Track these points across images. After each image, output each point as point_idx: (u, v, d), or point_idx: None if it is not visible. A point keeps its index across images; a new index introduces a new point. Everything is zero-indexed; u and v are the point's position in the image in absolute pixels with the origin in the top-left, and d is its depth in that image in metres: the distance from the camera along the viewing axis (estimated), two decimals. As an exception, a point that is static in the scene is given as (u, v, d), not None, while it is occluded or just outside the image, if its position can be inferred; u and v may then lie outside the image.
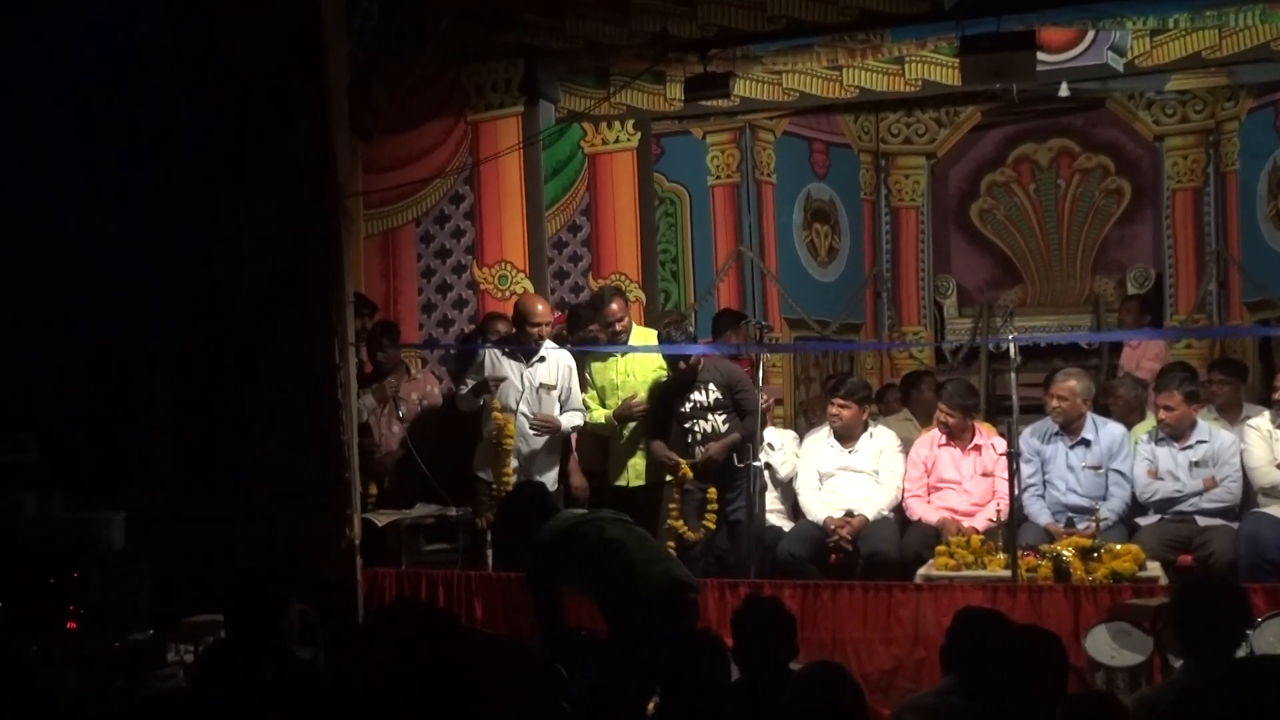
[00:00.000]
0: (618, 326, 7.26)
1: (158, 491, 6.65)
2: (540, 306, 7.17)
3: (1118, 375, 9.02)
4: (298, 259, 6.51)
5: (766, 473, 7.04)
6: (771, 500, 7.34)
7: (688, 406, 7.09)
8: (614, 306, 7.28)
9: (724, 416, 7.06)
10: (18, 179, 6.89)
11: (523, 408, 7.09)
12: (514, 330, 7.26)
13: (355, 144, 7.06)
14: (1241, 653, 4.13)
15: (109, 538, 6.32)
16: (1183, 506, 6.76)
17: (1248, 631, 4.36)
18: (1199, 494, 6.74)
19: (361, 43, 6.94)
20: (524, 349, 7.09)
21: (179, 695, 5.25)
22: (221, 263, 6.65)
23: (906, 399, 8.70)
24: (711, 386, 7.07)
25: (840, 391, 7.41)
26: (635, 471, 7.32)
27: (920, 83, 8.16)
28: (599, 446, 7.54)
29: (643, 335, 7.63)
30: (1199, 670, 3.92)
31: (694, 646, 4.27)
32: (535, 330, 7.05)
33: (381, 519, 6.99)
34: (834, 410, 7.34)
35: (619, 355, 7.37)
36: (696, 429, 7.09)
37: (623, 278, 9.01)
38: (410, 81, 7.48)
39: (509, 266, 8.12)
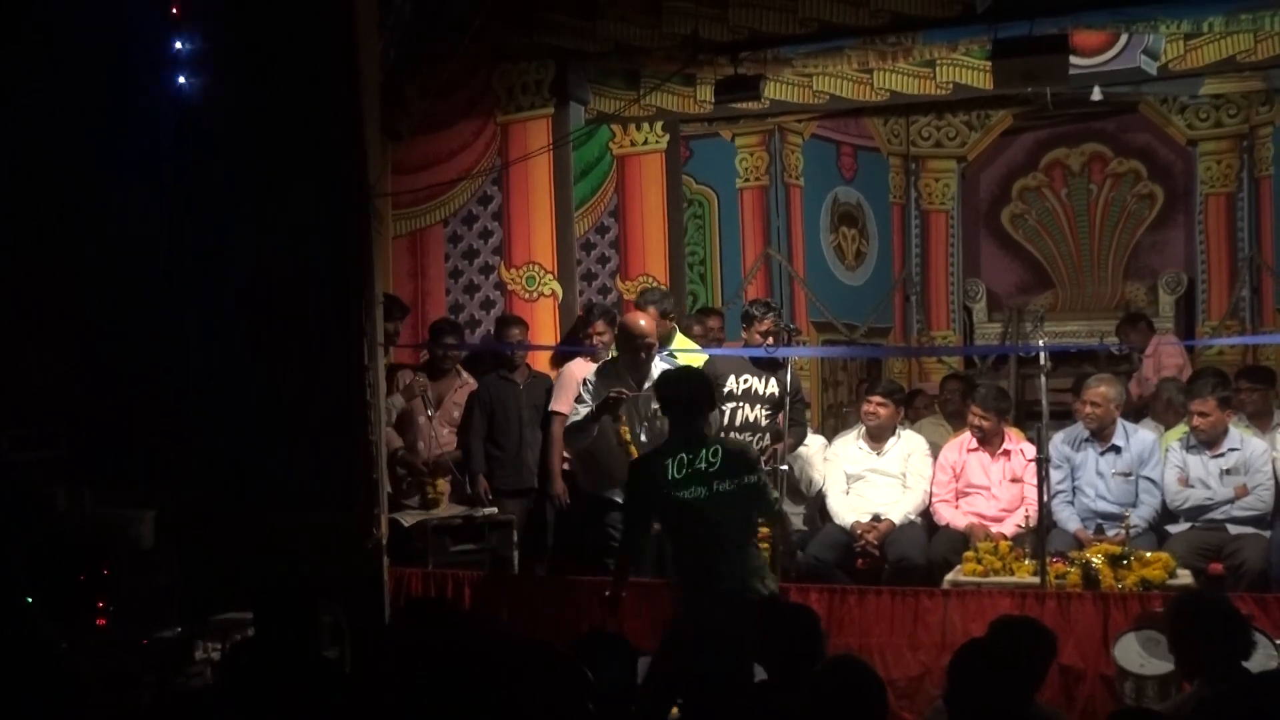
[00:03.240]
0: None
1: (187, 488, 6.69)
2: (644, 322, 6.48)
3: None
4: (328, 258, 6.53)
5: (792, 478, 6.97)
6: (787, 504, 7.28)
7: (740, 388, 6.88)
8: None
9: (768, 413, 6.81)
10: (55, 175, 6.95)
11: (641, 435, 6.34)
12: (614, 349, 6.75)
13: (385, 144, 7.08)
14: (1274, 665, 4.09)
15: (139, 534, 6.35)
16: (1214, 514, 6.70)
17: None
18: (1230, 501, 6.68)
19: (394, 42, 6.96)
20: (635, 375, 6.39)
21: (207, 692, 5.28)
22: (252, 261, 6.68)
23: (944, 402, 8.66)
24: (773, 381, 6.76)
25: (878, 390, 7.42)
26: None
27: (951, 86, 8.12)
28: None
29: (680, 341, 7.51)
30: (1212, 685, 3.90)
31: (715, 650, 4.26)
32: (643, 347, 6.37)
33: (408, 519, 7.01)
34: (871, 409, 7.31)
35: None
36: (739, 414, 6.84)
37: (650, 279, 8.98)
38: (441, 82, 7.50)
39: (537, 268, 8.12)
